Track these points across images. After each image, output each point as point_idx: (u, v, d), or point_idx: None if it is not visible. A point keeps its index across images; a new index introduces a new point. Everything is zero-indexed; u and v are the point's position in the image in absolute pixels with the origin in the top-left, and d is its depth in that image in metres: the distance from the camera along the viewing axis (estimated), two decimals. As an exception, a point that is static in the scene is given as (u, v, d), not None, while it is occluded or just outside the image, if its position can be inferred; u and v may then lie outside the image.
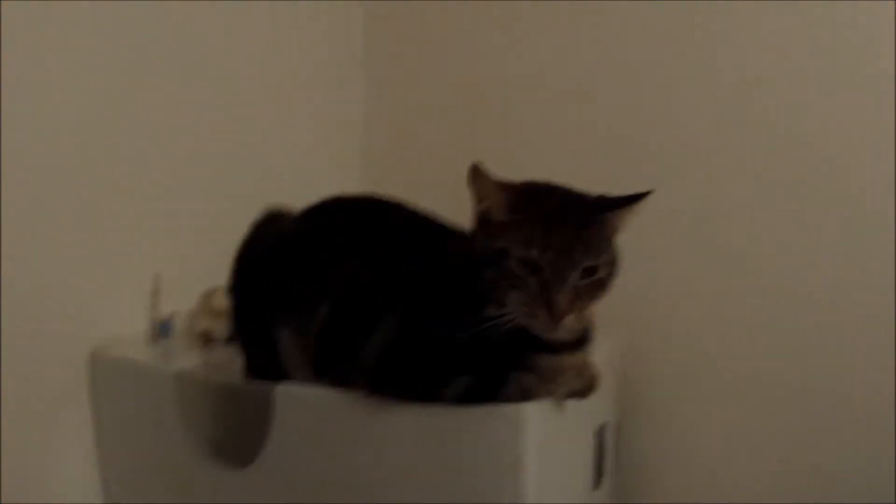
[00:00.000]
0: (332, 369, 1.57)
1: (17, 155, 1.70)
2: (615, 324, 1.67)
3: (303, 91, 2.52)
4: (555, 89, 2.48)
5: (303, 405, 1.61)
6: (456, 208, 1.53)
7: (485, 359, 1.44)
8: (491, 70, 2.59)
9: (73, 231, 1.84)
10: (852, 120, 2.11)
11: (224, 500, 1.71)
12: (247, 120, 2.30)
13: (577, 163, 2.35)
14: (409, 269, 1.54)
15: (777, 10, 2.17)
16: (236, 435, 1.68)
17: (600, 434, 1.92)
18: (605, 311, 1.49)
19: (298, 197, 1.75)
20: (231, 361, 1.75)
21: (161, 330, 1.98)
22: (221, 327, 1.94)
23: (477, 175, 1.44)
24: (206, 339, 1.99)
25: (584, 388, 1.55)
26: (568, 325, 1.40)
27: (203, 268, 1.89)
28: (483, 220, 1.47)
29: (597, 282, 1.41)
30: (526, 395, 1.44)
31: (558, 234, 1.37)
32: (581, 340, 1.50)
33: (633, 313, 2.18)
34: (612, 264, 1.43)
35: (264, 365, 1.67)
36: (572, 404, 1.54)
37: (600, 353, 1.59)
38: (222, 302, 1.87)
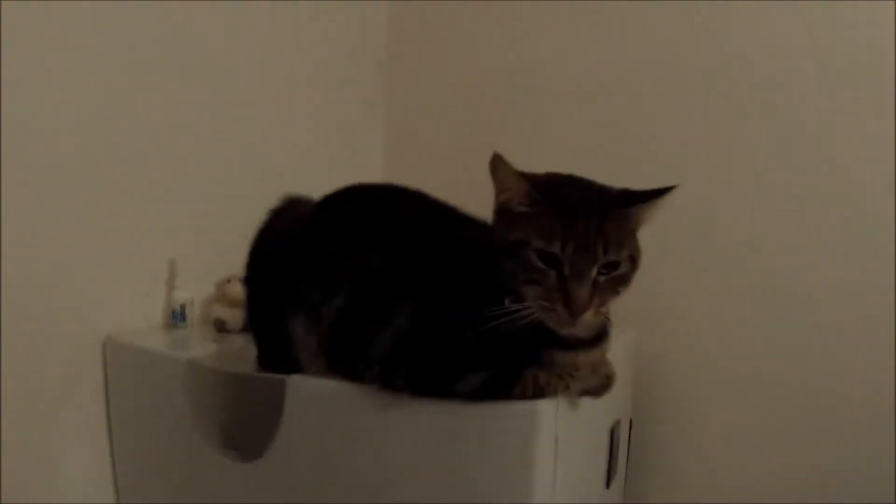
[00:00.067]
0: (345, 361, 1.54)
1: (34, 145, 1.69)
2: (629, 321, 1.65)
3: (305, 92, 2.50)
4: (573, 84, 2.47)
5: (314, 397, 1.58)
6: (473, 204, 1.51)
7: (500, 353, 1.40)
8: (508, 65, 2.58)
9: (89, 219, 1.83)
10: (853, 120, 2.10)
11: (234, 491, 1.69)
12: (250, 118, 2.28)
13: (597, 157, 2.35)
14: (426, 259, 1.50)
15: (779, 11, 2.16)
16: (247, 425, 1.66)
17: (613, 432, 1.89)
18: (619, 309, 1.44)
19: (317, 187, 1.72)
20: (244, 351, 1.72)
21: (175, 318, 1.96)
22: (236, 316, 1.92)
23: (498, 165, 1.39)
24: (221, 328, 1.97)
25: (600, 387, 1.51)
26: (586, 322, 1.35)
27: (219, 255, 1.89)
28: (503, 211, 1.43)
29: (617, 277, 1.36)
30: (540, 393, 1.41)
31: (580, 227, 1.32)
32: (598, 337, 1.46)
33: (646, 311, 2.17)
34: (633, 260, 1.39)
35: (277, 356, 1.63)
36: (586, 402, 1.50)
37: (615, 351, 1.54)
38: (237, 291, 1.85)
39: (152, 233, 1.96)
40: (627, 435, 2.10)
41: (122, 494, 1.89)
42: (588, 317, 1.34)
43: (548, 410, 1.42)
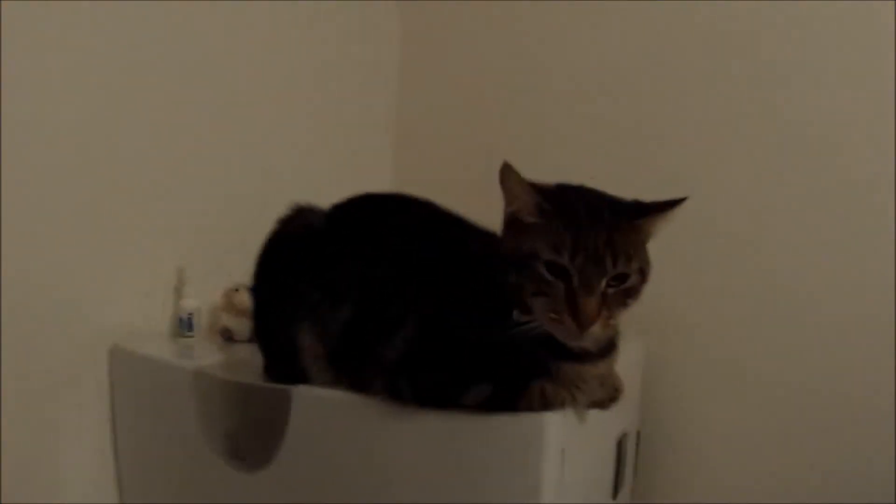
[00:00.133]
0: (351, 371, 1.52)
1: (35, 147, 1.67)
2: (637, 331, 1.63)
3: (306, 92, 2.47)
4: (585, 89, 2.45)
5: (320, 408, 1.56)
6: (483, 210, 1.48)
7: (507, 365, 1.38)
8: (499, 70, 2.57)
9: (93, 223, 1.80)
10: (853, 120, 2.09)
11: (239, 501, 1.67)
12: (253, 120, 2.25)
13: (608, 163, 2.35)
14: (433, 270, 1.48)
15: (779, 11, 2.15)
16: (253, 435, 1.63)
17: (621, 444, 1.87)
18: (627, 319, 1.42)
19: (328, 195, 1.70)
20: (251, 361, 1.70)
21: (182, 326, 1.93)
22: (243, 326, 1.90)
23: (507, 175, 1.36)
24: (228, 337, 1.95)
25: (607, 399, 1.49)
26: (594, 334, 1.32)
27: (228, 264, 1.86)
28: (512, 221, 1.40)
29: (627, 290, 1.34)
30: (547, 405, 1.38)
31: (589, 239, 1.30)
32: (606, 349, 1.43)
33: (653, 321, 2.12)
34: (642, 272, 1.36)
35: (284, 365, 1.61)
36: (594, 414, 1.48)
37: (623, 363, 1.52)
38: (245, 300, 1.83)
39: (159, 239, 1.94)
40: (635, 446, 2.07)
41: (125, 499, 1.87)
42: (596, 329, 1.31)
43: (555, 423, 1.39)
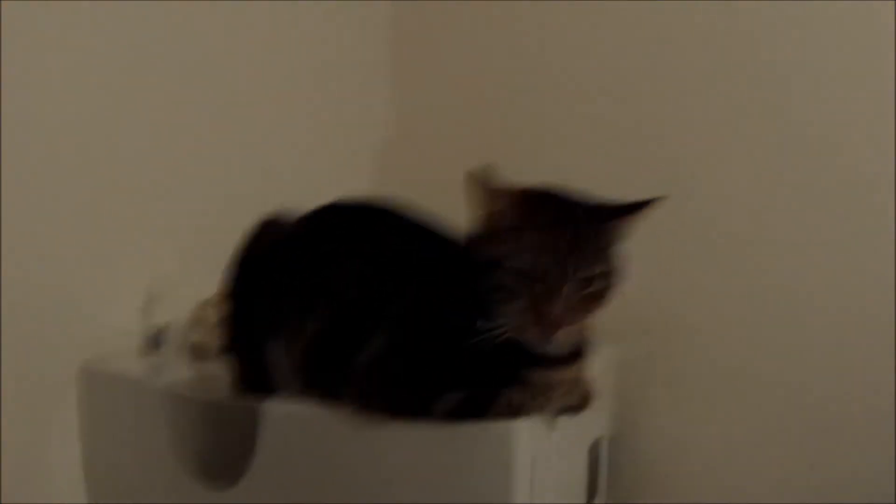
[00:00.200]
0: (322, 382, 1.51)
1: (14, 161, 1.66)
2: (613, 324, 1.62)
3: (305, 92, 2.47)
4: (563, 89, 2.44)
5: (290, 421, 1.55)
6: (463, 211, 1.45)
7: (476, 373, 1.37)
8: (498, 70, 2.55)
9: (71, 237, 1.80)
10: (852, 119, 2.07)
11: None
12: (248, 122, 2.25)
13: (588, 163, 2.33)
14: (405, 278, 1.47)
15: (779, 10, 2.12)
16: (224, 451, 1.63)
17: (594, 450, 1.86)
18: (607, 317, 1.41)
19: (302, 200, 1.69)
20: (220, 376, 1.69)
21: (152, 343, 1.93)
22: (213, 341, 1.89)
23: (475, 181, 1.37)
24: (199, 352, 1.94)
25: (578, 404, 1.47)
26: (562, 339, 1.32)
27: (200, 278, 1.84)
28: (482, 227, 1.40)
29: (594, 294, 1.33)
30: (517, 412, 1.37)
31: (556, 243, 1.29)
32: (575, 354, 1.43)
33: (635, 317, 2.11)
34: (611, 275, 1.35)
35: (254, 378, 1.60)
36: (565, 420, 1.47)
37: (595, 367, 1.51)
38: (215, 315, 1.82)
39: (134, 248, 1.94)
40: (608, 452, 2.06)
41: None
42: (563, 334, 1.31)
43: (524, 430, 1.38)
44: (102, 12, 1.83)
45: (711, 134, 2.23)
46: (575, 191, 1.40)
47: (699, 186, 2.23)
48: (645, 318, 2.25)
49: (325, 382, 1.49)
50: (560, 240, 1.30)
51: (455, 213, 1.48)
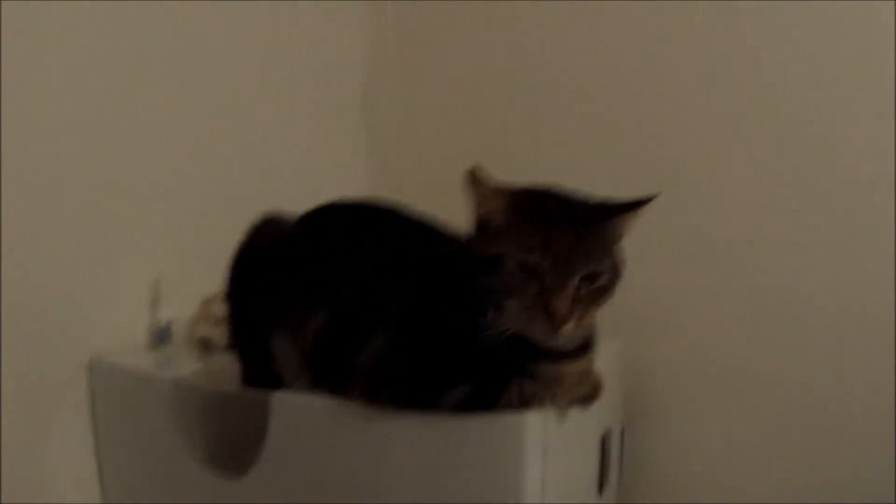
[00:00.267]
0: (329, 377, 1.52)
1: (16, 160, 1.67)
2: (619, 329, 1.63)
3: (305, 90, 2.49)
4: (560, 88, 2.45)
5: (299, 413, 1.57)
6: (463, 208, 1.46)
7: (484, 366, 1.38)
8: (496, 68, 2.56)
9: (73, 237, 1.81)
10: (853, 120, 2.08)
11: (222, 509, 1.67)
12: (247, 120, 2.27)
13: (585, 163, 2.35)
14: (407, 275, 1.49)
15: (779, 10, 2.14)
16: (233, 443, 1.64)
17: (604, 441, 1.88)
18: (608, 317, 1.43)
19: (302, 200, 1.69)
20: (229, 369, 1.70)
21: (160, 337, 1.95)
22: (220, 334, 1.90)
23: (474, 180, 1.38)
24: (206, 346, 1.96)
25: (587, 396, 1.49)
26: (568, 333, 1.33)
27: (204, 273, 1.85)
28: (481, 224, 1.41)
29: (598, 288, 1.34)
30: (526, 404, 1.39)
31: (558, 239, 1.31)
32: (584, 347, 1.44)
33: (636, 318, 2.14)
34: (614, 270, 1.37)
35: (260, 373, 1.62)
36: (575, 412, 1.49)
37: (603, 360, 1.53)
38: (221, 308, 1.83)
39: (136, 247, 1.95)
40: (619, 443, 2.09)
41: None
42: (569, 328, 1.32)
43: (535, 422, 1.40)
44: (102, 12, 1.85)
45: (711, 134, 2.25)
46: (573, 190, 1.43)
47: (699, 186, 2.25)
48: (645, 319, 2.28)
49: (333, 376, 1.51)
50: (564, 236, 1.32)
51: (452, 212, 1.51)
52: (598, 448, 1.85)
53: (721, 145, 2.24)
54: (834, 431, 2.14)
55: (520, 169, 1.44)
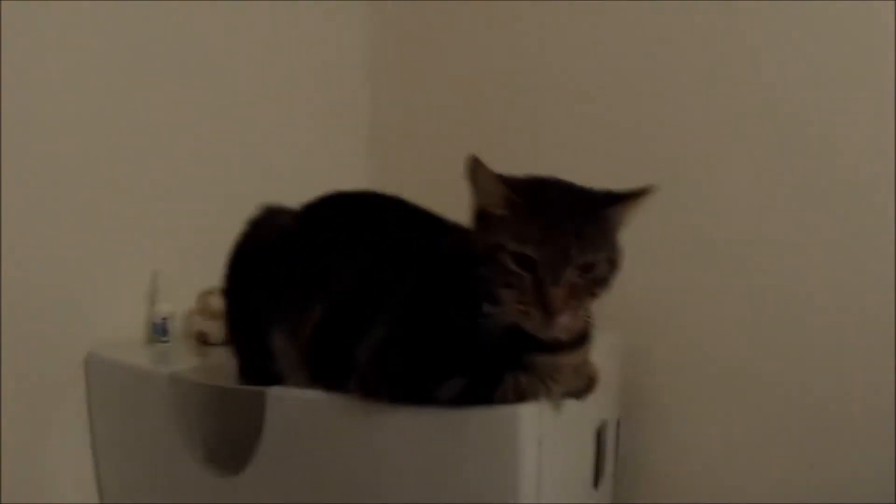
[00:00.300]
0: (326, 372, 1.53)
1: (15, 157, 1.69)
2: (616, 322, 1.64)
3: (304, 90, 2.51)
4: (560, 86, 2.47)
5: (295, 408, 1.58)
6: (462, 205, 1.48)
7: (480, 359, 1.39)
8: (495, 67, 2.58)
9: (71, 233, 1.83)
10: (852, 119, 2.09)
11: (218, 503, 1.68)
12: (247, 119, 2.29)
13: (583, 159, 2.34)
14: (405, 267, 1.50)
15: (779, 10, 2.15)
16: (230, 438, 1.65)
17: (600, 433, 1.89)
18: (605, 309, 1.44)
19: (300, 196, 1.71)
20: (226, 364, 1.72)
21: (158, 331, 1.95)
22: (218, 329, 1.91)
23: (475, 168, 1.39)
24: (203, 341, 1.96)
25: (583, 389, 1.51)
26: (564, 324, 1.34)
27: (202, 268, 1.87)
28: (481, 215, 1.42)
29: (595, 280, 1.36)
30: (521, 396, 1.40)
31: (555, 229, 1.32)
32: (579, 339, 1.45)
33: (634, 311, 2.16)
34: (612, 262, 1.38)
35: (258, 368, 1.64)
36: (571, 404, 1.50)
37: (600, 352, 1.54)
38: (219, 303, 1.84)
39: (135, 246, 1.97)
40: (615, 435, 2.10)
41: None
42: (565, 320, 1.33)
43: (530, 414, 1.41)
44: (102, 12, 1.87)
45: (711, 134, 2.26)
46: (571, 181, 1.44)
47: (699, 186, 2.26)
48: (645, 318, 2.30)
49: (330, 370, 1.52)
50: (565, 227, 1.33)
51: (453, 211, 1.53)
52: (594, 441, 1.86)
53: (721, 145, 2.24)
54: (834, 431, 2.14)
55: (520, 169, 1.45)
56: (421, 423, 1.46)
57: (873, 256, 2.07)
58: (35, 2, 1.71)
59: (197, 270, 1.94)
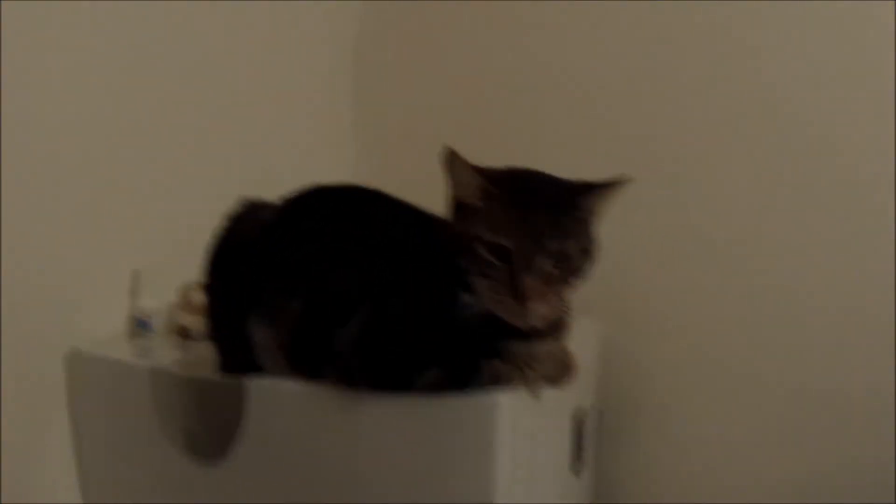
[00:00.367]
0: (305, 362, 1.55)
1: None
2: (596, 311, 1.64)
3: (287, 85, 2.53)
4: (561, 89, 2.48)
5: (276, 398, 1.60)
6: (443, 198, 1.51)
7: (457, 347, 1.41)
8: (490, 69, 2.59)
9: (53, 229, 1.83)
10: (852, 119, 2.11)
11: (200, 495, 1.70)
12: (228, 114, 2.31)
13: (584, 162, 2.30)
14: (384, 258, 1.52)
15: (778, 10, 2.16)
16: (211, 429, 1.67)
17: (579, 422, 1.90)
18: (587, 299, 1.48)
19: (281, 191, 1.73)
20: (207, 357, 1.73)
21: (140, 327, 1.97)
22: (199, 323, 1.93)
23: (451, 160, 1.42)
24: (185, 335, 1.98)
25: (559, 376, 1.51)
26: (539, 312, 1.37)
27: (184, 263, 1.87)
28: (458, 205, 1.45)
29: (570, 269, 1.38)
30: (498, 383, 1.41)
31: (529, 219, 1.35)
32: (556, 327, 1.48)
33: (617, 301, 2.21)
34: (586, 251, 1.41)
35: (238, 360, 1.65)
36: (549, 392, 1.50)
37: (578, 340, 1.56)
38: (200, 297, 1.85)
39: (116, 241, 1.98)
40: (596, 425, 2.12)
41: (89, 500, 1.89)
42: (540, 308, 1.36)
43: (507, 401, 1.42)
44: (98, 9, 1.89)
45: (711, 134, 2.27)
46: (547, 172, 1.47)
47: (699, 186, 2.28)
48: (645, 318, 2.32)
49: (310, 361, 1.53)
50: (537, 216, 1.36)
51: (436, 204, 1.54)
52: (573, 429, 1.88)
53: (721, 145, 2.26)
54: (834, 431, 2.16)
55: (495, 156, 1.46)
56: (399, 411, 1.48)
57: (873, 256, 2.09)
58: (35, 1, 1.73)
59: (179, 265, 1.94)
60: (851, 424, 2.13)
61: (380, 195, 1.67)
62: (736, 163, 2.24)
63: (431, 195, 1.54)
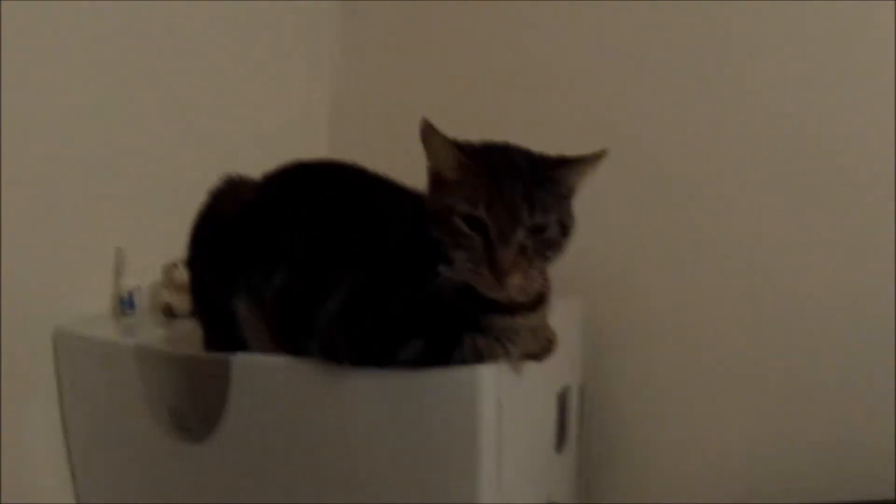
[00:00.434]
0: (288, 337, 1.56)
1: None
2: (581, 287, 1.65)
3: (265, 62, 2.55)
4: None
5: (260, 374, 1.61)
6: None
7: (438, 320, 1.43)
8: (472, 70, 2.61)
9: (35, 210, 1.84)
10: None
11: (187, 471, 1.71)
12: (208, 93, 2.33)
13: (549, 139, 2.35)
14: (364, 233, 1.54)
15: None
16: (197, 406, 1.67)
17: (562, 397, 1.92)
18: (571, 275, 1.50)
19: (261, 168, 1.75)
20: (192, 334, 1.75)
21: (124, 305, 1.98)
22: (183, 301, 1.94)
23: (429, 133, 1.44)
24: (169, 313, 1.99)
25: (541, 350, 1.54)
26: (516, 285, 1.38)
27: (167, 241, 1.88)
28: (435, 178, 1.48)
29: (546, 241, 1.40)
30: (479, 357, 1.43)
31: (505, 191, 1.37)
32: (537, 302, 1.49)
33: (603, 278, 2.23)
34: (563, 225, 1.43)
35: (223, 336, 1.66)
36: (532, 367, 1.53)
37: (560, 316, 1.58)
38: (184, 275, 1.87)
39: (100, 220, 1.99)
40: (579, 402, 2.13)
41: (77, 478, 1.90)
42: (517, 280, 1.38)
43: (489, 375, 1.44)
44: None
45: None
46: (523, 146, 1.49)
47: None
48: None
49: (292, 336, 1.55)
50: (515, 189, 1.37)
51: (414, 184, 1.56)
52: (557, 405, 1.89)
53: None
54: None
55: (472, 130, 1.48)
56: (382, 385, 1.48)
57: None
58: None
59: (162, 244, 1.97)
60: (851, 424, 2.13)
61: (359, 170, 1.69)
62: (733, 157, 2.25)
63: (412, 171, 1.55)
